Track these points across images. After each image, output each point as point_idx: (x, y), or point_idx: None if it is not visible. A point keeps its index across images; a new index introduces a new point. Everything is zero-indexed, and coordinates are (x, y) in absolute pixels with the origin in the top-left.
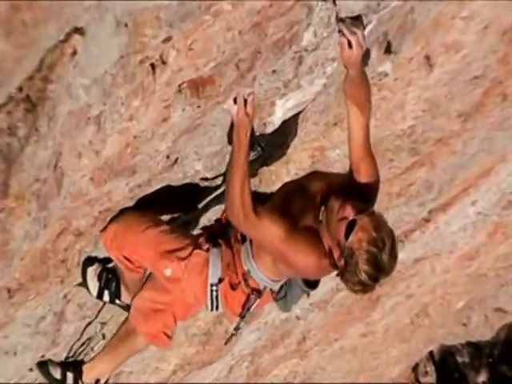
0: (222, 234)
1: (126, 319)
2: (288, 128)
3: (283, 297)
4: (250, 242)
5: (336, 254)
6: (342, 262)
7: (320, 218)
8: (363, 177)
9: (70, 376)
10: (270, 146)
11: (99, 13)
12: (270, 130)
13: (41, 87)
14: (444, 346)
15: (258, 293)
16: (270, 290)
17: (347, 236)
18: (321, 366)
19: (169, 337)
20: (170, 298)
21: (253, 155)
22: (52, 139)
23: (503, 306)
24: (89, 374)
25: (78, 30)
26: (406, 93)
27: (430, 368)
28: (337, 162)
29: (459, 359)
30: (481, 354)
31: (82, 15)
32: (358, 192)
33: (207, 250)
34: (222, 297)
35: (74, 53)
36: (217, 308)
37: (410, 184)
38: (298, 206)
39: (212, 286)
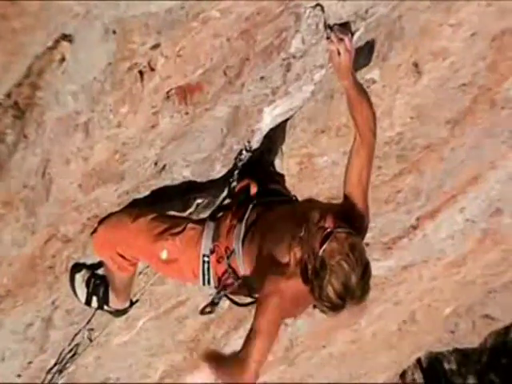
0: (223, 208)
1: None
2: (276, 135)
3: None
4: (246, 223)
5: (310, 266)
6: (313, 274)
7: (302, 231)
8: (351, 207)
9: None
10: (258, 152)
11: (88, 20)
12: (257, 136)
13: (29, 94)
14: (432, 352)
15: (236, 275)
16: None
17: (322, 245)
18: (309, 373)
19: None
20: None
21: (243, 158)
22: (40, 146)
23: (491, 313)
24: None
25: (67, 37)
26: (394, 99)
27: (418, 375)
28: (325, 169)
29: (447, 366)
30: (468, 361)
31: (71, 22)
32: (345, 218)
33: (203, 223)
34: (212, 270)
35: (63, 59)
36: (208, 282)
37: (397, 191)
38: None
39: (204, 256)
